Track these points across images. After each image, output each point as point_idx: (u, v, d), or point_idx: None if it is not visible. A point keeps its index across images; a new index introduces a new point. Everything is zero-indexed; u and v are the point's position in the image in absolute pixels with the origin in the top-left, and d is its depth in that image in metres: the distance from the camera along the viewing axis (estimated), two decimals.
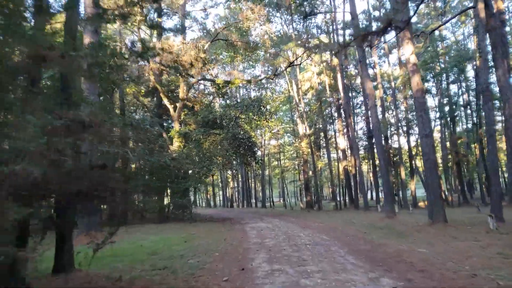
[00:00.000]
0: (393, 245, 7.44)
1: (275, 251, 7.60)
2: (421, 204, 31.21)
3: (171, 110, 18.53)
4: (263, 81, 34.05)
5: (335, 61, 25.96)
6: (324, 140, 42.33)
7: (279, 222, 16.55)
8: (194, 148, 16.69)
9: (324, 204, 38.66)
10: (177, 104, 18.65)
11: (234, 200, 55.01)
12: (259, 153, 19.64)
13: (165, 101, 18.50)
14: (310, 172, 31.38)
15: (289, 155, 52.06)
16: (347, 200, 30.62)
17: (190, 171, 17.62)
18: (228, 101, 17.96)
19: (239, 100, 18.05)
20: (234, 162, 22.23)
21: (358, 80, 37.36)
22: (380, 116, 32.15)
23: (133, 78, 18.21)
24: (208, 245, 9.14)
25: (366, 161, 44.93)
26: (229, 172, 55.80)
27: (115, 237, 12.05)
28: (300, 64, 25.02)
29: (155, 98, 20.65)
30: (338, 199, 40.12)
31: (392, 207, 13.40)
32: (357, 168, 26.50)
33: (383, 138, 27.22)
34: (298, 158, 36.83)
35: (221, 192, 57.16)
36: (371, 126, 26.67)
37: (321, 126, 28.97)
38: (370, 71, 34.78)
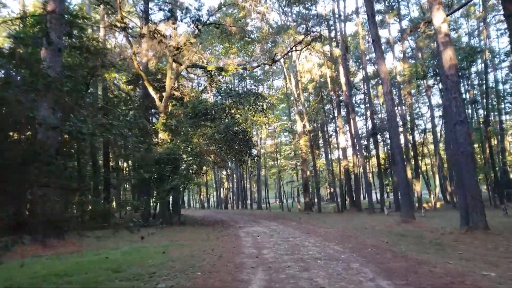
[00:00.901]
0: (437, 262, 5.52)
1: (276, 270, 5.65)
2: (425, 205, 29.55)
3: (157, 100, 16.51)
4: (260, 72, 32.14)
5: (337, 51, 24.14)
6: (322, 138, 40.63)
7: (278, 226, 14.61)
8: (182, 143, 14.70)
9: (323, 206, 36.81)
10: (164, 94, 16.66)
11: (229, 201, 52.95)
12: (255, 151, 17.60)
13: (150, 90, 16.49)
14: (309, 172, 29.51)
15: (286, 155, 50.23)
16: (346, 202, 28.75)
17: (180, 168, 15.61)
18: (221, 90, 15.90)
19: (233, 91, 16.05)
20: (228, 161, 20.23)
21: (358, 78, 35.70)
22: (380, 115, 30.33)
23: (114, 64, 16.20)
24: (191, 259, 7.16)
25: (366, 160, 43.36)
26: (224, 172, 53.88)
27: (80, 246, 9.95)
28: (300, 52, 23.16)
29: (140, 88, 18.60)
30: (337, 200, 38.38)
31: (410, 210, 11.52)
32: (360, 167, 24.72)
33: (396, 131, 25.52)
34: (296, 157, 34.94)
35: (215, 193, 54.96)
36: (375, 121, 24.91)
37: (320, 122, 27.05)
38: (370, 69, 33.23)
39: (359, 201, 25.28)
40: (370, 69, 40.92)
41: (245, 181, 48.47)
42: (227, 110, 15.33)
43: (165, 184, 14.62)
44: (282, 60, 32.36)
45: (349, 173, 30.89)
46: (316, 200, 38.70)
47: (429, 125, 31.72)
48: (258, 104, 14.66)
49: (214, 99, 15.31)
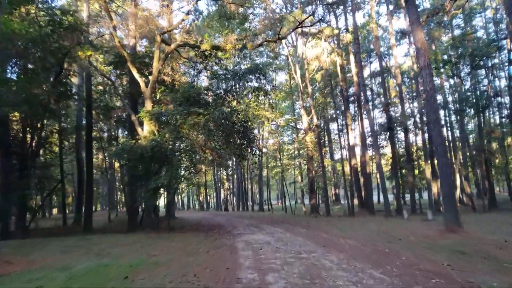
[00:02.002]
0: None
1: None
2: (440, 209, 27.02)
3: (142, 84, 14.11)
4: (262, 60, 29.75)
5: (348, 37, 21.68)
6: (328, 136, 38.07)
7: (284, 233, 12.15)
8: (169, 134, 12.26)
9: (323, 207, 34.29)
10: (150, 78, 14.26)
11: (229, 203, 50.47)
12: (256, 151, 15.09)
13: (135, 73, 14.08)
14: (314, 172, 27.01)
15: (290, 154, 47.72)
16: (352, 204, 26.24)
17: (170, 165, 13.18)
18: (217, 73, 13.36)
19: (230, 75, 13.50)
20: (227, 158, 17.74)
21: (366, 72, 33.18)
22: (394, 111, 27.87)
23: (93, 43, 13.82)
24: None
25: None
26: (224, 172, 51.43)
27: (33, 263, 7.40)
28: (307, 38, 20.71)
29: (126, 73, 16.19)
30: (343, 202, 35.72)
31: (456, 215, 9.02)
32: (371, 165, 22.32)
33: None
34: (301, 155, 32.44)
35: (216, 194, 52.49)
36: (390, 114, 22.38)
37: (329, 116, 24.56)
38: (375, 65, 30.70)
39: (371, 203, 22.77)
40: (375, 65, 38.63)
41: (246, 182, 46.01)
42: (223, 95, 12.90)
43: (150, 183, 12.19)
44: (286, 50, 30.03)
45: (358, 173, 28.49)
46: (321, 202, 36.30)
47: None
48: (261, 84, 12.20)
49: (209, 83, 12.82)
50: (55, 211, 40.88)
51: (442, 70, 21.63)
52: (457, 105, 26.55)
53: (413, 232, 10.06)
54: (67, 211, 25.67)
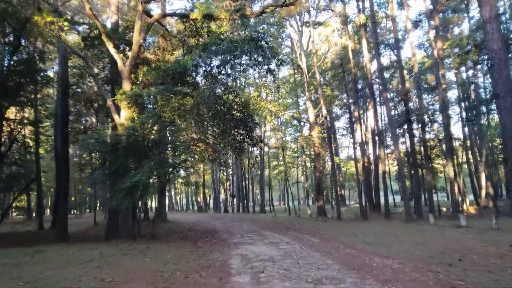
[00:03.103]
0: None
1: None
2: (470, 209, 24.45)
3: (120, 62, 11.64)
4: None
5: (362, 18, 19.16)
6: (333, 133, 35.52)
7: (291, 243, 9.66)
8: (149, 119, 9.78)
9: (330, 209, 31.78)
10: (129, 54, 11.82)
11: (229, 204, 47.94)
12: (257, 142, 12.54)
13: (110, 48, 11.62)
14: (318, 172, 24.45)
15: (294, 151, 45.23)
16: (366, 206, 23.70)
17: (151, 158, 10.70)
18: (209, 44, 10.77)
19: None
20: (223, 153, 15.20)
21: (373, 66, 30.60)
22: (411, 102, 25.36)
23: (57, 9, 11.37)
24: None
25: (387, 156, 38.25)
26: (224, 171, 48.92)
27: None
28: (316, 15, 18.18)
29: (102, 52, 13.70)
30: (348, 203, 33.24)
31: None
32: (385, 163, 19.82)
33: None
34: (306, 154, 29.89)
35: (214, 195, 49.92)
36: (409, 105, 19.76)
37: (333, 113, 21.99)
38: (385, 59, 27.96)
39: (386, 205, 20.21)
40: (386, 60, 35.98)
41: (246, 182, 43.51)
42: (216, 72, 10.40)
43: (125, 181, 9.71)
44: (292, 35, 27.55)
45: (368, 171, 26.05)
46: (330, 204, 33.75)
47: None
48: (261, 54, 9.70)
49: (199, 57, 10.32)
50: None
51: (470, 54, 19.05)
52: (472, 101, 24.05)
53: (465, 246, 7.54)
54: (48, 213, 23.29)
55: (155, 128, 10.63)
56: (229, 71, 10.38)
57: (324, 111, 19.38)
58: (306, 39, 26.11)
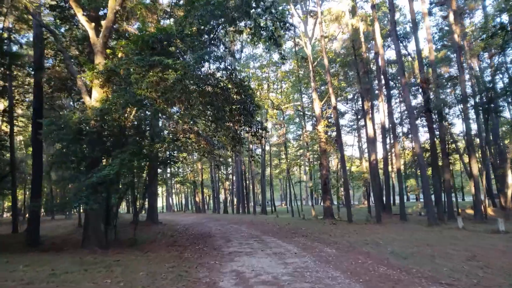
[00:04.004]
0: None
1: None
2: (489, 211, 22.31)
3: (91, 34, 9.61)
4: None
5: None
6: (337, 130, 33.26)
7: (301, 256, 7.61)
8: (122, 98, 7.73)
9: (334, 210, 29.69)
10: (103, 23, 9.79)
11: (229, 204, 45.85)
12: (259, 130, 10.42)
13: (79, 16, 9.60)
14: (324, 171, 22.34)
15: (295, 151, 43.25)
16: (379, 207, 21.59)
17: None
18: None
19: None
20: (219, 146, 13.04)
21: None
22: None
23: None
24: None
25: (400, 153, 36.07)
26: (223, 170, 46.87)
27: None
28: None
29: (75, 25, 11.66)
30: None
31: None
32: (397, 161, 17.72)
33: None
34: (311, 150, 27.79)
35: (213, 194, 47.79)
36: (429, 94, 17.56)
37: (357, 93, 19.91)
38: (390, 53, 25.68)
39: (402, 206, 18.08)
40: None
41: (247, 182, 41.47)
42: (207, 38, 8.34)
43: (91, 175, 7.66)
44: (296, 22, 25.51)
45: (377, 170, 24.02)
46: (335, 204, 31.64)
47: None
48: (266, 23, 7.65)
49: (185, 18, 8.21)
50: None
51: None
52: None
53: None
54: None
55: (130, 110, 8.58)
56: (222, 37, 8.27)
57: (333, 100, 17.27)
58: (311, 27, 24.03)
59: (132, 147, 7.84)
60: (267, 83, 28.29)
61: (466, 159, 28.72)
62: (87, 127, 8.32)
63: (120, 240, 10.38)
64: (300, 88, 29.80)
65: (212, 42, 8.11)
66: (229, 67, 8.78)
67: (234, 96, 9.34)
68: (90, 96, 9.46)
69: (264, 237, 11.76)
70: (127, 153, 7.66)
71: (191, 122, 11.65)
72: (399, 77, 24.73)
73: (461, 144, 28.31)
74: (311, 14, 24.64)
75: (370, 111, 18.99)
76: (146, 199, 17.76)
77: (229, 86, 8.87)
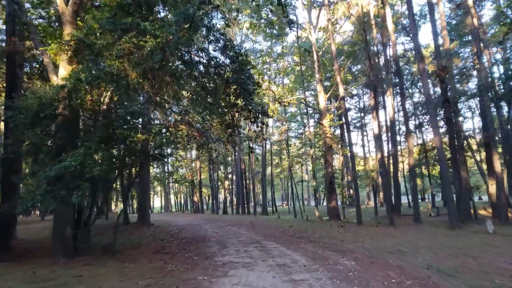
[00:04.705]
0: None
1: None
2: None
3: (59, 1, 8.07)
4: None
5: None
6: (340, 128, 31.66)
7: (313, 269, 6.05)
8: (87, 71, 6.17)
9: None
10: None
11: (228, 204, 44.24)
12: (259, 115, 8.88)
13: None
14: (330, 166, 20.76)
15: (296, 150, 41.64)
16: (393, 208, 19.99)
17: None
18: None
19: None
20: (214, 138, 11.42)
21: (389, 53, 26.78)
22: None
23: None
24: None
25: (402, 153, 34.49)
26: (221, 167, 45.31)
27: None
28: None
29: None
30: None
31: None
32: (408, 157, 16.08)
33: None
34: (314, 147, 26.22)
35: (212, 194, 46.15)
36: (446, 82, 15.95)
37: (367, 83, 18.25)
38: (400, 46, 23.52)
39: (416, 207, 16.48)
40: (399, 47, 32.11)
41: (247, 181, 39.90)
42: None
43: (50, 168, 6.12)
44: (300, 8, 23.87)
45: (386, 168, 22.54)
46: (339, 204, 30.03)
47: None
48: None
49: None
50: None
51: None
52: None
53: None
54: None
55: (103, 91, 7.02)
56: None
57: (341, 90, 15.67)
58: (315, 14, 22.46)
59: (101, 133, 6.29)
60: (268, 74, 26.71)
61: (478, 157, 27.20)
62: (52, 111, 6.76)
63: (95, 247, 8.82)
64: (303, 81, 28.23)
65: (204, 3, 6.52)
66: (222, 37, 7.23)
67: (230, 74, 7.77)
68: (58, 75, 7.91)
69: (265, 242, 10.19)
70: (94, 140, 6.10)
71: (182, 112, 10.14)
72: (407, 69, 23.10)
73: (471, 141, 26.76)
74: (315, 5, 23.11)
75: (383, 101, 17.31)
76: (134, 199, 16.17)
77: (223, 60, 7.32)
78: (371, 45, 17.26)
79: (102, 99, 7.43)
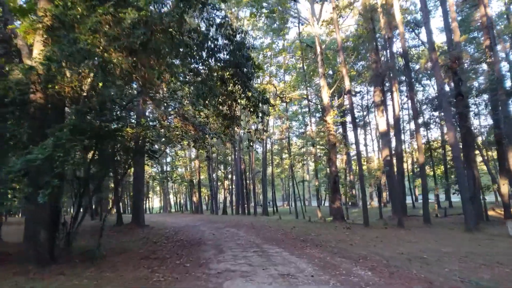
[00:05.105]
0: None
1: None
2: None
3: None
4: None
5: None
6: (343, 128, 30.72)
7: (324, 282, 5.09)
8: (60, 48, 5.25)
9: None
10: None
11: (228, 205, 43.25)
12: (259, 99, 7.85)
13: None
14: (333, 168, 19.79)
15: (297, 150, 40.67)
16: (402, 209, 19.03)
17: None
18: None
19: None
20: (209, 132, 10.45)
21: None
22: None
23: None
24: None
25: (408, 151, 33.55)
26: (222, 169, 44.39)
27: None
28: None
29: None
30: (357, 202, 28.59)
31: None
32: (418, 153, 15.03)
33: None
34: (318, 144, 25.22)
35: (211, 194, 45.14)
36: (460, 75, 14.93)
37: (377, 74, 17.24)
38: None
39: (426, 208, 15.51)
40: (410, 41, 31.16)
41: (247, 181, 38.96)
42: None
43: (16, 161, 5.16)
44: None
45: (392, 166, 21.66)
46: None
47: None
48: None
49: None
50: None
51: None
52: None
53: None
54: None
55: (83, 76, 6.08)
56: None
57: (347, 83, 14.71)
58: (318, 7, 21.52)
59: (74, 121, 5.37)
60: (269, 69, 25.76)
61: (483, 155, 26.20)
62: (20, 96, 5.83)
63: (75, 251, 7.86)
64: (305, 76, 27.25)
65: None
66: (216, 13, 6.30)
67: (225, 56, 6.82)
68: (31, 56, 6.97)
69: (266, 246, 9.24)
70: (66, 129, 5.17)
71: (176, 105, 9.24)
72: (411, 67, 22.21)
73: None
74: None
75: (395, 90, 16.35)
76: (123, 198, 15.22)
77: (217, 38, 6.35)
78: (378, 37, 16.27)
79: (83, 86, 6.50)
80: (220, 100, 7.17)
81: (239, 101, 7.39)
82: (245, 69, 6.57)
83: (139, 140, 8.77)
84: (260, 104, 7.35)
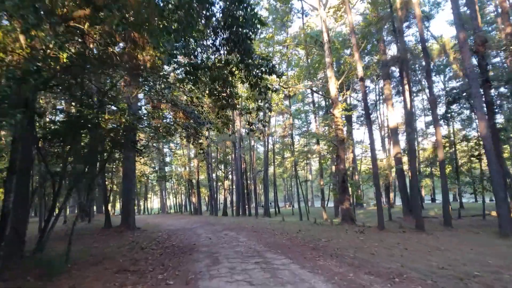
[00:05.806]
0: None
1: None
2: None
3: None
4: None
5: None
6: (348, 124, 28.87)
7: None
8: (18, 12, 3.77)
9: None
10: None
11: (229, 205, 41.70)
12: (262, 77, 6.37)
13: None
14: (343, 162, 18.23)
15: (301, 147, 39.12)
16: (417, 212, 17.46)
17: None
18: None
19: None
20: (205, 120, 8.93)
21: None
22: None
23: None
24: None
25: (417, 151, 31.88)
26: (222, 168, 42.85)
27: None
28: None
29: None
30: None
31: None
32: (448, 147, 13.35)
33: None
34: (319, 144, 23.67)
35: (210, 194, 43.59)
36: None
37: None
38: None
39: (446, 210, 13.94)
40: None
41: (248, 181, 37.47)
42: None
43: None
44: None
45: (402, 167, 20.28)
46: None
47: None
48: None
49: None
50: None
51: None
52: None
53: None
54: None
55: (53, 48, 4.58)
56: None
57: (360, 69, 13.14)
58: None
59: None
60: (273, 60, 24.25)
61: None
62: None
63: (34, 263, 6.34)
64: (309, 68, 25.69)
65: None
66: None
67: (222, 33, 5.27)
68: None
69: (269, 256, 7.69)
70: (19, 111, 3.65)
71: (163, 87, 7.74)
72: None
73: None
74: None
75: (406, 85, 14.75)
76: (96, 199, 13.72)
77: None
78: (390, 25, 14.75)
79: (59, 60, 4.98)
80: (213, 73, 5.63)
81: (235, 73, 5.81)
82: (243, 29, 4.97)
83: (119, 130, 7.27)
84: (263, 76, 5.76)
